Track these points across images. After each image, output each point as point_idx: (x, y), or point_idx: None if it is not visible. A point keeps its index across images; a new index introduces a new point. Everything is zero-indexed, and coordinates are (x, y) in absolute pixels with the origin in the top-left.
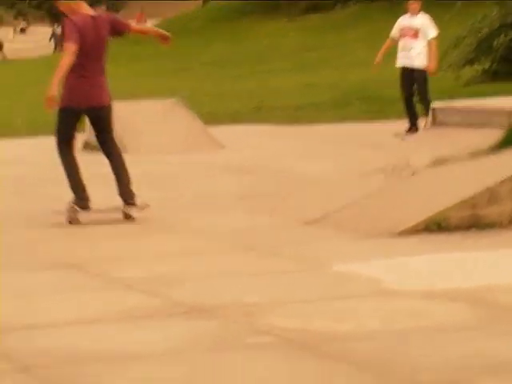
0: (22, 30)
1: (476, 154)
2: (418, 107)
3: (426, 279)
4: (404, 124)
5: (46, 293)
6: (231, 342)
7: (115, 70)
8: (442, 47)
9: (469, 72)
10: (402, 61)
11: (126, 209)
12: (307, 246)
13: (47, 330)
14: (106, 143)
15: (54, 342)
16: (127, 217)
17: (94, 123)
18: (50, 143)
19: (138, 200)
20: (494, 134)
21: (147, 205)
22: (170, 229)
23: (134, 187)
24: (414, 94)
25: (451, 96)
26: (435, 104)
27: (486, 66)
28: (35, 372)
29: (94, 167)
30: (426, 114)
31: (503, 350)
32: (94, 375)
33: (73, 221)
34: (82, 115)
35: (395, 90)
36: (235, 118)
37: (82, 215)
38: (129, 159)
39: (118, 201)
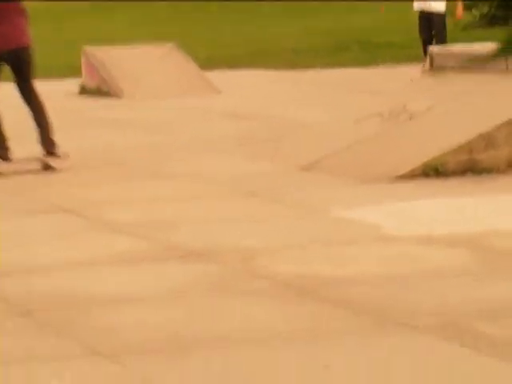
0: None
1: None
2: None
3: (424, 224)
4: (414, 68)
5: (41, 237)
6: (229, 286)
7: (110, 16)
8: None
9: (467, 17)
10: (419, 5)
11: (46, 159)
12: (305, 192)
13: (44, 273)
14: (26, 91)
15: (51, 285)
16: (46, 167)
17: (14, 69)
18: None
19: (60, 150)
20: (491, 79)
21: (68, 155)
22: (167, 173)
23: (131, 132)
24: (432, 37)
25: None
26: (432, 48)
27: (484, 10)
28: (34, 316)
29: (90, 112)
30: None
31: (502, 295)
32: (93, 318)
33: None
34: (1, 62)
35: (396, 36)
36: (232, 62)
37: (2, 166)
38: (125, 104)
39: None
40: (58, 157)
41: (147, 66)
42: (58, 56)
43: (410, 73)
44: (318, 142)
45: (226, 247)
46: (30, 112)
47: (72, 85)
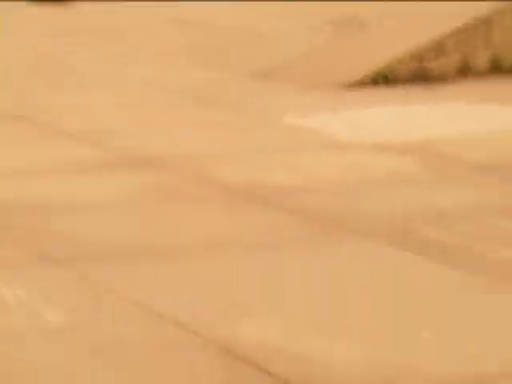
0: None
1: None
2: None
3: (375, 132)
4: None
5: None
6: (181, 193)
7: None
8: None
9: None
10: None
11: None
12: (257, 100)
13: None
14: None
15: (1, 193)
16: None
17: None
18: None
19: None
20: None
21: None
22: (117, 82)
23: (76, 39)
24: None
25: None
26: None
27: None
28: None
29: (39, 19)
30: None
31: (453, 202)
32: (47, 226)
33: None
34: None
35: None
36: None
37: None
38: (70, 10)
39: None
40: None
41: None
42: None
43: None
44: (271, 50)
45: (177, 155)
46: None
47: None
